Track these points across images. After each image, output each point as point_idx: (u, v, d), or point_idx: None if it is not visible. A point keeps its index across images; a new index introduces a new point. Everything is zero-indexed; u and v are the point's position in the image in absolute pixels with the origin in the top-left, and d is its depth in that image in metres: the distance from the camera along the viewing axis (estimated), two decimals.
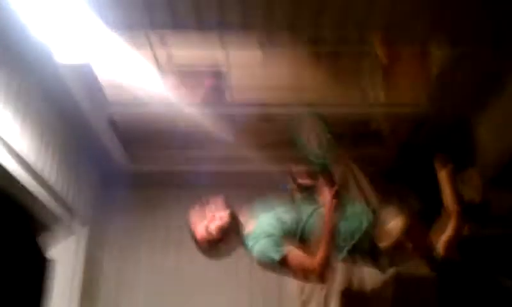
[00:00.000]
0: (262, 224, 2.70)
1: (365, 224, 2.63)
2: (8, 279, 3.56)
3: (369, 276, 3.49)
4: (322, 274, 2.52)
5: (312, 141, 2.56)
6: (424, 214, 2.87)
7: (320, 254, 2.46)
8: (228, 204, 2.75)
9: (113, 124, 3.76)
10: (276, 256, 2.50)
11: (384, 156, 4.24)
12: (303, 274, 2.70)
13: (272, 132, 4.01)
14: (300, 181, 2.72)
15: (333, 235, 2.49)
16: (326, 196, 2.52)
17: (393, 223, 2.38)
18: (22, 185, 3.18)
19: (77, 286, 4.08)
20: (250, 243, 2.66)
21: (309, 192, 2.74)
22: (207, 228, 2.66)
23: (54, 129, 3.44)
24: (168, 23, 2.86)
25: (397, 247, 2.38)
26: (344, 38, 2.86)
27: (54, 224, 3.86)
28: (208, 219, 2.70)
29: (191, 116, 3.68)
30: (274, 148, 4.11)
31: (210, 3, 2.71)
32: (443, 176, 2.49)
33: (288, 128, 2.50)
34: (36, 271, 4.32)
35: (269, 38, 2.87)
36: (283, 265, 2.52)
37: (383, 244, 2.41)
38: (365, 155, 4.19)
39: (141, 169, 4.34)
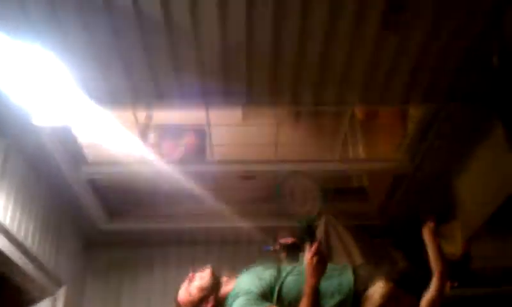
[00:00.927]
0: (241, 282, 2.60)
1: (345, 285, 2.57)
2: None
3: None
4: None
5: (297, 197, 2.48)
6: (409, 271, 2.85)
7: None
8: (212, 268, 2.67)
9: (92, 184, 3.72)
10: None
11: (367, 211, 4.26)
12: None
13: (253, 189, 4.01)
14: (282, 241, 2.65)
15: (315, 293, 2.34)
16: (307, 253, 2.40)
17: (375, 287, 2.34)
18: (3, 255, 3.11)
19: None
20: (229, 302, 2.55)
21: (293, 251, 2.67)
22: (187, 289, 2.58)
23: (32, 194, 3.38)
24: (152, 96, 2.88)
25: None
26: (322, 99, 2.89)
27: (30, 286, 3.76)
28: (189, 278, 2.62)
29: (171, 174, 3.67)
30: (255, 204, 4.11)
31: (192, 76, 2.74)
32: (425, 233, 2.48)
33: (273, 186, 2.44)
34: None
35: (250, 100, 2.90)
36: None
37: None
38: (348, 210, 4.21)
39: (120, 228, 4.27)
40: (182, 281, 2.73)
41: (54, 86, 2.67)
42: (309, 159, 3.70)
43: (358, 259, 3.54)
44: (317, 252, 2.31)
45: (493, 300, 2.67)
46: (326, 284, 2.48)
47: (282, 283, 2.52)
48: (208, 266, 2.69)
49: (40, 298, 3.96)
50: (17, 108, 2.76)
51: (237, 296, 2.50)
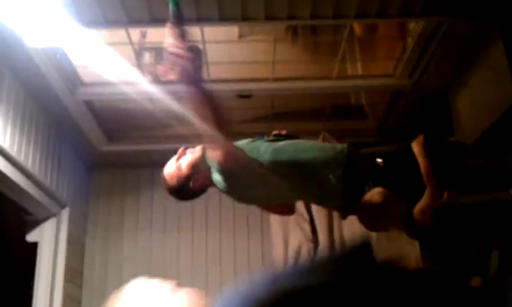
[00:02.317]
0: None
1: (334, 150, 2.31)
2: None
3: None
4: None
5: None
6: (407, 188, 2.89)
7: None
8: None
9: (89, 105, 3.71)
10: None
11: (365, 128, 4.26)
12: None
13: (249, 108, 3.99)
14: (275, 132, 2.52)
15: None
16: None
17: (372, 192, 2.38)
18: (5, 177, 3.17)
19: (60, 267, 4.06)
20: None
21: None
22: (176, 164, 2.32)
23: (30, 114, 3.38)
24: (144, 20, 2.82)
25: (378, 215, 2.38)
26: (319, 13, 2.82)
27: (33, 208, 3.84)
28: (179, 154, 2.36)
29: (167, 94, 3.64)
30: (253, 123, 4.10)
31: None
32: (415, 147, 2.49)
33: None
34: (19, 254, 4.33)
35: (245, 15, 2.83)
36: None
37: (366, 213, 2.42)
38: (346, 127, 4.22)
39: (120, 150, 4.31)
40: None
41: (46, 7, 2.61)
42: (306, 77, 3.65)
43: None
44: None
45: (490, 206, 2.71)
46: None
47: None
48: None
49: (44, 219, 4.06)
50: (8, 29, 2.71)
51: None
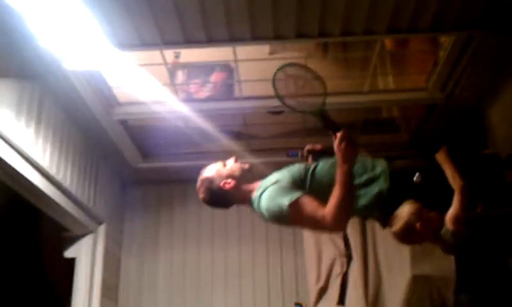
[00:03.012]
0: (267, 179, 2.40)
1: (379, 166, 2.38)
2: (32, 280, 3.67)
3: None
4: (335, 226, 2.21)
5: (297, 89, 2.25)
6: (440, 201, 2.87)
7: (332, 203, 2.13)
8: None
9: (124, 125, 3.80)
10: (285, 203, 2.18)
11: (398, 142, 4.24)
12: (315, 226, 2.37)
13: (281, 123, 4.02)
14: (309, 147, 2.49)
15: (348, 179, 2.13)
16: (335, 141, 2.15)
17: (402, 208, 2.37)
18: (44, 196, 3.29)
19: (97, 282, 4.14)
20: (257, 197, 2.35)
21: (321, 158, 2.45)
22: (222, 164, 2.45)
23: (68, 134, 3.50)
24: (179, 41, 2.89)
25: (407, 231, 2.36)
26: (349, 30, 2.84)
27: (71, 224, 3.94)
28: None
29: (201, 111, 3.71)
30: (284, 138, 4.13)
31: (219, 19, 2.73)
32: (440, 158, 2.47)
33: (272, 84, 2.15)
34: (56, 271, 4.43)
35: (276, 34, 2.87)
36: (292, 213, 2.19)
37: (394, 228, 2.40)
38: (379, 141, 4.20)
39: (154, 166, 4.39)
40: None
41: (83, 30, 2.70)
42: (338, 92, 3.66)
43: None
44: (345, 137, 2.11)
45: None
46: (358, 166, 2.32)
47: (315, 169, 2.36)
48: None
49: (82, 235, 4.16)
50: (48, 52, 2.82)
51: (266, 187, 2.31)
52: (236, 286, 4.50)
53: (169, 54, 3.58)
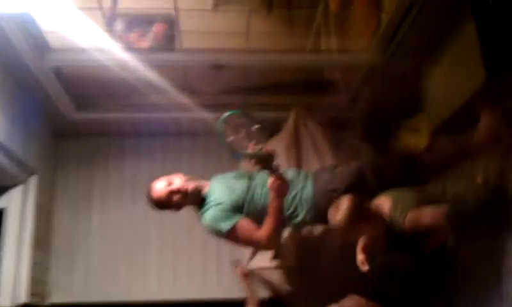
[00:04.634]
0: (213, 190, 2.74)
1: (307, 198, 2.69)
2: None
3: None
4: (268, 247, 2.75)
5: (241, 138, 2.45)
6: (376, 160, 2.93)
7: (265, 229, 2.55)
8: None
9: (57, 72, 3.62)
10: (224, 228, 2.60)
11: (337, 104, 4.27)
12: (250, 245, 2.95)
13: (222, 79, 3.96)
14: (252, 149, 2.60)
15: (278, 214, 2.54)
16: (269, 179, 2.50)
17: (342, 201, 2.38)
18: None
19: (28, 234, 4.04)
20: (201, 210, 2.73)
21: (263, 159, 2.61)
22: (168, 192, 2.70)
23: None
24: None
25: (350, 221, 2.38)
26: None
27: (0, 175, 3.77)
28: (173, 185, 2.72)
29: (139, 63, 3.58)
30: (225, 95, 4.07)
31: None
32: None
33: (216, 131, 2.40)
34: None
35: None
36: (230, 236, 2.63)
37: (333, 227, 2.42)
38: (319, 103, 4.22)
39: (89, 118, 4.23)
40: (154, 171, 2.81)
41: None
42: (280, 50, 3.63)
43: (328, 158, 3.58)
44: (279, 177, 2.45)
45: None
46: (289, 200, 2.66)
47: (253, 193, 2.69)
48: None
49: (11, 186, 4.01)
50: None
51: (209, 205, 2.67)
52: (171, 244, 4.48)
53: (106, 1, 3.41)
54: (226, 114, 2.41)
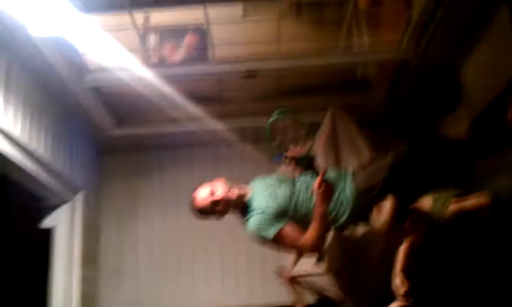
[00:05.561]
0: (255, 197, 2.72)
1: (349, 196, 2.65)
2: (10, 252, 3.63)
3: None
4: (314, 251, 2.67)
5: (289, 140, 2.47)
6: (412, 158, 2.89)
7: (311, 234, 2.53)
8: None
9: (97, 92, 3.74)
10: (269, 235, 2.58)
11: (372, 103, 4.24)
12: (295, 250, 2.95)
13: (256, 87, 3.99)
14: (291, 153, 2.56)
15: (323, 218, 2.53)
16: (314, 183, 2.49)
17: (386, 202, 2.37)
18: (17, 165, 3.24)
19: (77, 251, 4.15)
20: (244, 217, 2.70)
21: (302, 163, 2.62)
22: (212, 202, 2.66)
23: (39, 103, 3.43)
24: (148, 2, 2.83)
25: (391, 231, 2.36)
26: None
27: (47, 194, 3.90)
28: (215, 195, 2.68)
29: (174, 76, 3.66)
30: (260, 102, 4.10)
31: None
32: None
33: (264, 132, 2.39)
34: (35, 241, 4.40)
35: None
36: (276, 242, 2.60)
37: (377, 229, 2.42)
38: (353, 102, 4.20)
39: (129, 133, 4.34)
40: (194, 180, 2.81)
41: None
42: (312, 52, 3.64)
43: (366, 154, 3.56)
44: (323, 181, 2.44)
45: None
46: (333, 201, 2.61)
47: (296, 199, 2.65)
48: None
49: (59, 204, 4.14)
50: (12, 20, 2.73)
51: (253, 213, 2.64)
52: (217, 251, 4.53)
53: (139, 17, 3.51)
54: (275, 115, 2.40)
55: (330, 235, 3.16)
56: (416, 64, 3.57)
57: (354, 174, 2.77)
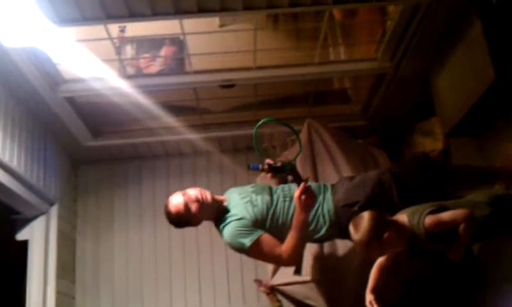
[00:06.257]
0: (233, 205, 2.67)
1: (328, 212, 2.65)
2: None
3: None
4: (290, 263, 2.64)
5: (276, 148, 2.45)
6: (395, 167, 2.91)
7: (289, 244, 2.49)
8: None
9: (72, 102, 3.69)
10: (246, 243, 2.52)
11: (349, 113, 4.28)
12: (272, 261, 2.85)
13: (233, 97, 3.99)
14: (269, 161, 2.55)
15: (304, 227, 2.48)
16: (296, 191, 2.45)
17: (363, 215, 2.35)
18: None
19: (52, 264, 4.06)
20: (221, 224, 2.64)
21: (280, 173, 2.60)
22: (186, 203, 2.60)
23: (12, 114, 3.37)
24: (123, 15, 2.80)
25: (371, 239, 2.34)
26: (298, 0, 2.80)
27: (21, 206, 3.84)
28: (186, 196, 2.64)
29: (151, 87, 3.64)
30: (237, 112, 4.11)
31: None
32: None
33: (255, 138, 2.33)
34: (9, 253, 4.33)
35: (224, 6, 2.81)
36: (253, 251, 2.55)
37: (357, 236, 2.38)
38: (330, 113, 4.24)
39: (105, 144, 4.31)
40: (172, 191, 2.76)
41: (21, 6, 2.59)
42: (289, 64, 3.65)
43: (344, 166, 3.57)
44: (305, 190, 2.39)
45: None
46: (312, 214, 2.60)
47: (274, 208, 2.62)
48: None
49: (33, 217, 4.06)
50: None
51: (230, 220, 2.59)
52: (194, 262, 4.50)
53: (115, 28, 3.48)
54: (262, 120, 2.33)
55: (314, 247, 3.16)
56: (391, 76, 3.62)
57: (334, 187, 2.77)
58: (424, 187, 2.65)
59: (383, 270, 2.47)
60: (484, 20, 2.84)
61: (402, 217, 2.37)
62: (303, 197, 2.39)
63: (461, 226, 2.25)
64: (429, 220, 2.30)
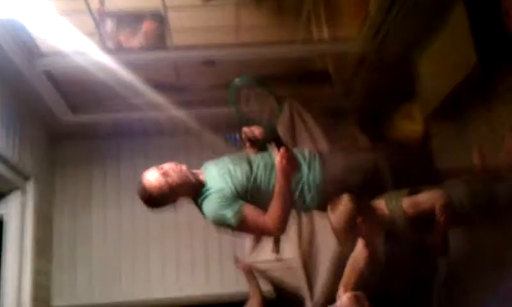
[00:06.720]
0: (211, 177, 2.50)
1: (312, 175, 2.52)
2: None
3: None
4: (276, 232, 2.43)
5: (254, 107, 2.27)
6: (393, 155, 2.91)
7: (273, 212, 2.34)
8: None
9: (50, 76, 3.62)
10: (228, 215, 2.36)
11: (331, 93, 4.27)
12: (257, 232, 2.71)
13: (214, 75, 3.95)
14: (248, 133, 2.50)
15: (286, 194, 2.33)
16: (276, 156, 2.30)
17: (342, 202, 2.34)
18: None
19: (28, 240, 4.03)
20: (199, 199, 2.47)
21: (259, 143, 2.54)
22: (162, 178, 2.40)
23: None
24: None
25: (349, 223, 2.33)
26: None
27: None
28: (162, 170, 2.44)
29: (132, 62, 3.58)
30: (218, 90, 4.07)
31: None
32: None
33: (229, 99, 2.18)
34: None
35: None
36: (236, 223, 2.36)
37: (334, 222, 2.37)
38: (313, 93, 4.22)
39: (84, 120, 4.24)
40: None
41: None
42: (271, 42, 3.63)
43: (323, 145, 3.58)
44: (286, 155, 2.25)
45: None
46: (294, 182, 2.46)
47: (255, 177, 2.47)
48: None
49: (8, 192, 4.00)
50: None
51: (209, 192, 2.42)
52: (173, 240, 4.49)
53: (94, 2, 3.41)
54: (238, 79, 2.17)
55: (292, 227, 3.15)
56: (373, 57, 3.61)
57: (324, 157, 2.63)
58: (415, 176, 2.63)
59: (357, 262, 2.46)
60: (467, 3, 2.84)
61: (380, 203, 2.38)
62: (283, 161, 2.26)
63: (437, 207, 2.27)
64: (406, 202, 2.31)
